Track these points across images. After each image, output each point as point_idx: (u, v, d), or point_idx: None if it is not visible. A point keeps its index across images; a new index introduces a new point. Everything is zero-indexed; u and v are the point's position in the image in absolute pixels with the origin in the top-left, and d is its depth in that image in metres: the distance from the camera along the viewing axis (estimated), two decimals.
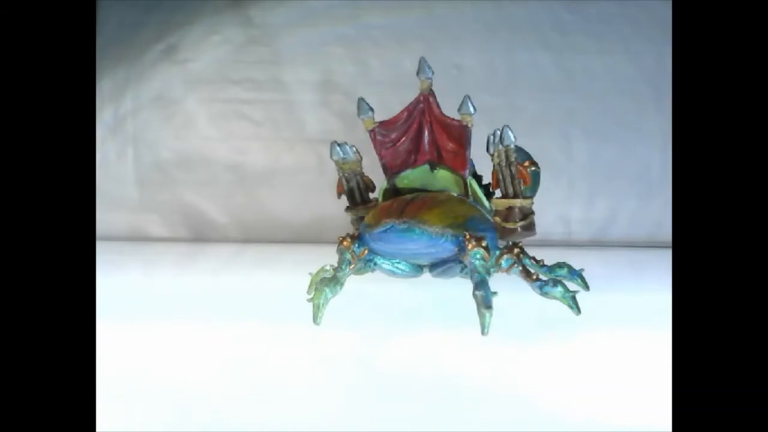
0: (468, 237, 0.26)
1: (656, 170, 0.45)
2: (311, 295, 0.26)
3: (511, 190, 0.29)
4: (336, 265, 0.27)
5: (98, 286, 0.22)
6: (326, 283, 0.27)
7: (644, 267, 0.42)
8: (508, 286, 0.26)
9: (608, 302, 0.29)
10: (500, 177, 0.29)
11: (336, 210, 0.32)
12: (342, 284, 0.27)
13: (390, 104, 0.30)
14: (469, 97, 0.28)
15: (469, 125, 0.28)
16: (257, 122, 0.47)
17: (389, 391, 0.22)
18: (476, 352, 0.23)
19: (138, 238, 0.48)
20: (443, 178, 0.29)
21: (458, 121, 0.29)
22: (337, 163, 0.30)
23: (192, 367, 0.24)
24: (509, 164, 0.29)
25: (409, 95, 0.30)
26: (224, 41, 0.47)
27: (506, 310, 0.29)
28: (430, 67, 0.29)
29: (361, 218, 0.30)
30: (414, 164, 0.30)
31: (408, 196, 0.28)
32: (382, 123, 0.29)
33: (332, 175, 0.31)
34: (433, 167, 0.29)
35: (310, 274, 0.29)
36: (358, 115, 0.29)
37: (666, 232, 0.45)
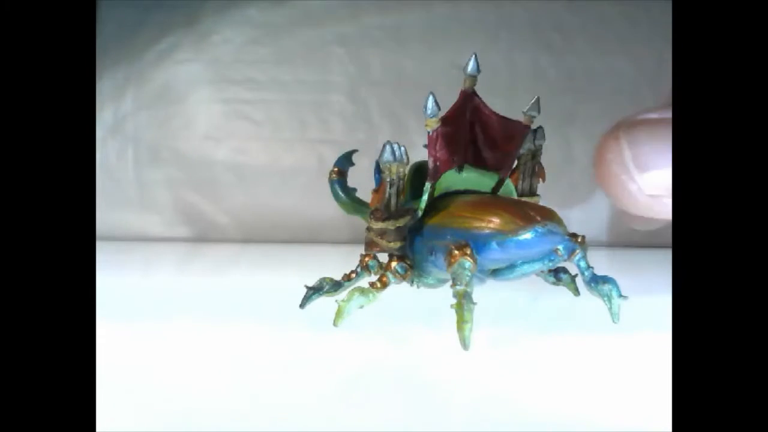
0: (577, 240, 0.25)
1: None
2: None
3: (527, 188, 0.29)
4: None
5: (98, 286, 0.22)
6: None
7: (644, 267, 0.42)
8: (502, 287, 0.26)
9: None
10: (521, 175, 0.28)
11: (336, 210, 0.32)
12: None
13: (390, 104, 0.30)
14: (539, 99, 0.27)
15: (531, 126, 0.27)
16: (257, 122, 0.47)
17: (390, 394, 0.22)
18: (470, 354, 0.23)
19: (138, 238, 0.48)
20: (467, 179, 0.27)
21: (519, 121, 0.27)
22: (386, 166, 0.25)
23: (192, 367, 0.24)
24: (534, 163, 0.28)
25: (410, 95, 0.29)
26: (224, 41, 0.47)
27: (501, 311, 0.29)
28: (478, 64, 0.26)
29: (399, 228, 0.25)
30: (453, 165, 0.26)
31: (485, 198, 0.26)
32: (443, 120, 0.25)
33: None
34: (460, 168, 0.26)
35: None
36: (426, 113, 0.25)
37: (666, 232, 0.45)
